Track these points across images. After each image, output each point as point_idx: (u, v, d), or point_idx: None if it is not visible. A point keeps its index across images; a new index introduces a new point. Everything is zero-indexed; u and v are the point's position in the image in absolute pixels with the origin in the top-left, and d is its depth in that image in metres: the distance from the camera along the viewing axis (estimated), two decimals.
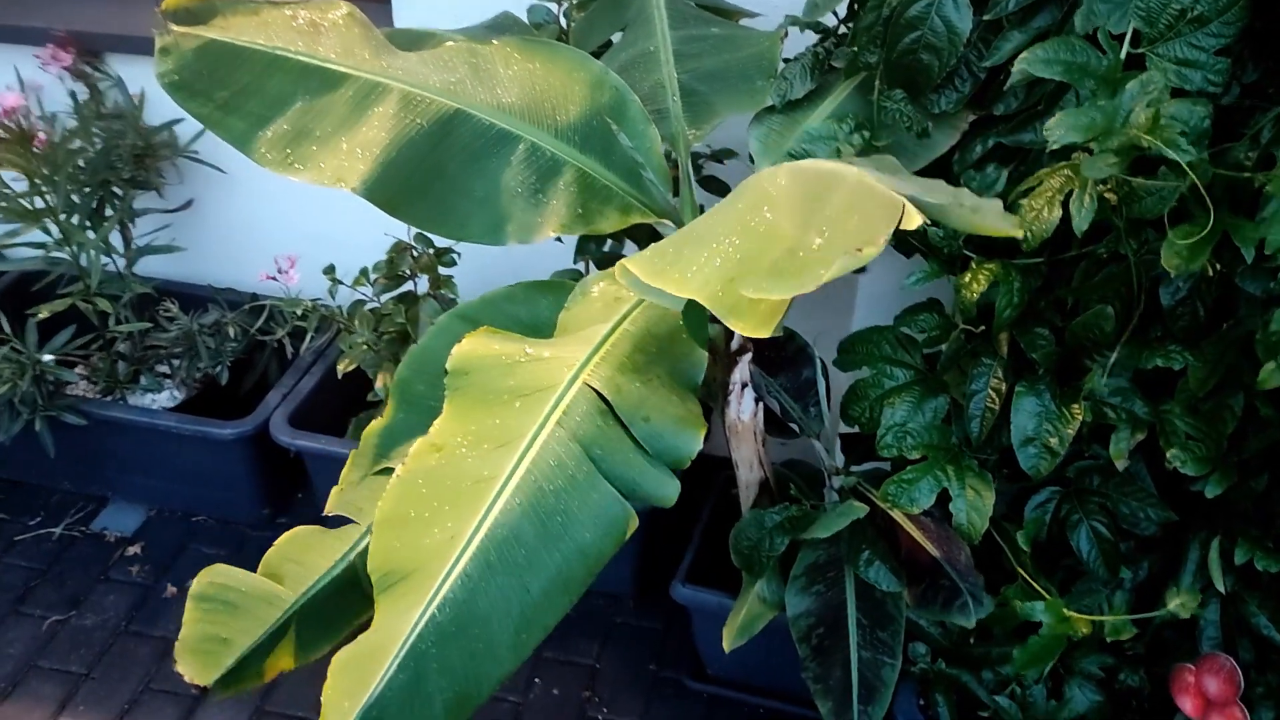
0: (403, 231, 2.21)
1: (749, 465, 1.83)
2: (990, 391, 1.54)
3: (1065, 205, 1.32)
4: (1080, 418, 1.47)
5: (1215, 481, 1.45)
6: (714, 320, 1.61)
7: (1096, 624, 1.56)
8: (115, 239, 2.51)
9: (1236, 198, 1.28)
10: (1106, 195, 1.33)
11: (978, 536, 1.58)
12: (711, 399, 1.75)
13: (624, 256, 2.15)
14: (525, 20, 1.88)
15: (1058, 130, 1.18)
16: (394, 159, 1.41)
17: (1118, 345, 1.47)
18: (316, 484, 2.48)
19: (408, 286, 2.28)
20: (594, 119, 1.50)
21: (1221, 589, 1.52)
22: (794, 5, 1.70)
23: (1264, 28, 1.31)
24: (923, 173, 1.55)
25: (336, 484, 1.54)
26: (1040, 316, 1.54)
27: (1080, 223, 1.27)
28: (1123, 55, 1.30)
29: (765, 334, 0.90)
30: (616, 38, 1.85)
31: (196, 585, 1.50)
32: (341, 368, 2.23)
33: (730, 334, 1.65)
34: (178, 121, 2.49)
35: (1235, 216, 1.26)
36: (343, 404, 2.40)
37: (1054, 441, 1.49)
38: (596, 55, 1.69)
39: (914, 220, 0.87)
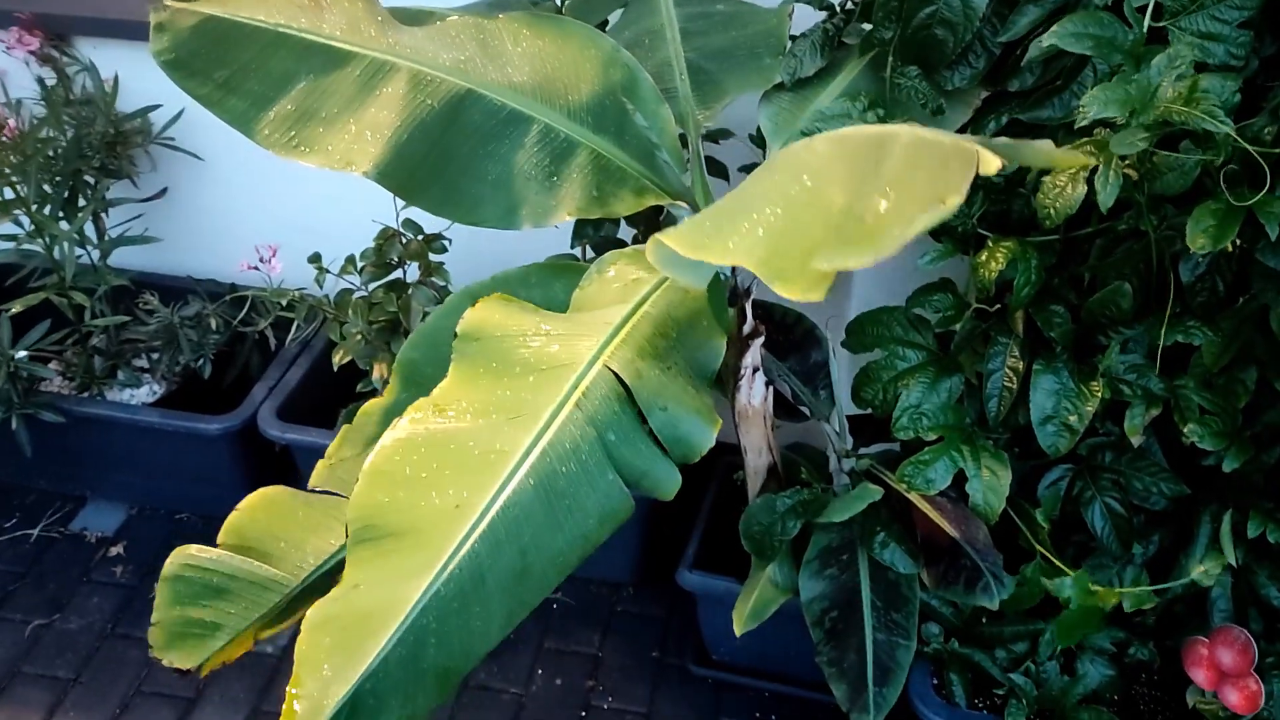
0: (386, 217, 2.16)
1: (758, 450, 1.81)
2: (1007, 370, 1.54)
3: (1088, 182, 1.31)
4: (1099, 395, 1.47)
5: (1233, 455, 1.46)
6: (729, 304, 1.58)
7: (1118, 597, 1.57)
8: (89, 230, 2.43)
9: (1255, 173, 1.29)
10: (1127, 171, 1.32)
11: (995, 516, 1.58)
12: (717, 384, 1.72)
13: (621, 240, 2.12)
14: None
15: (1094, 105, 1.17)
16: (404, 141, 1.37)
17: (1135, 322, 1.48)
18: (305, 478, 2.42)
19: (397, 274, 2.23)
20: (606, 98, 1.46)
21: (1233, 562, 1.53)
22: None
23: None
24: None
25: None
26: (1056, 294, 1.53)
27: (1106, 199, 1.27)
28: (1144, 29, 1.29)
29: (818, 298, 0.87)
30: (613, 18, 1.81)
31: (168, 567, 1.44)
32: (337, 359, 2.17)
33: (742, 318, 1.63)
34: (155, 108, 2.41)
35: (1254, 191, 1.26)
36: (331, 396, 2.34)
37: (1073, 419, 1.49)
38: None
39: (992, 164, 0.84)
